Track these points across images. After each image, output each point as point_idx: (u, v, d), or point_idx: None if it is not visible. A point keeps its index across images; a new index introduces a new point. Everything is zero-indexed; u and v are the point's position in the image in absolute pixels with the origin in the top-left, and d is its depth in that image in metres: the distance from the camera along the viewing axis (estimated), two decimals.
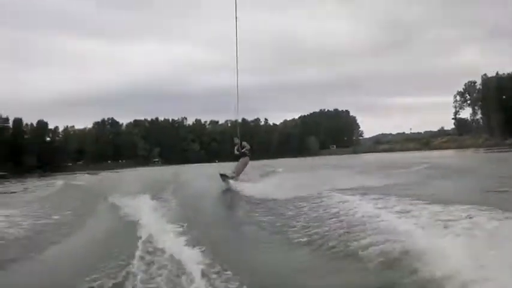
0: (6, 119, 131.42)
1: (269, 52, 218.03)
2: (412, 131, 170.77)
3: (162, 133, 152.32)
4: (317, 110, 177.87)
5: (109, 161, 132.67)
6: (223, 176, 20.28)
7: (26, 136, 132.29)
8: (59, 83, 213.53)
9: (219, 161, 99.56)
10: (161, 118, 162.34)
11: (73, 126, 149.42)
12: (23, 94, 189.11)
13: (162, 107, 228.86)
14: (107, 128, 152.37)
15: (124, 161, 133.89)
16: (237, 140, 21.91)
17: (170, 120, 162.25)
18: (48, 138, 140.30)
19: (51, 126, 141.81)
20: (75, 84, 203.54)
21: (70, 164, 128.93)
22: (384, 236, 7.27)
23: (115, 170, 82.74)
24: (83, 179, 44.15)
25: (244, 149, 21.29)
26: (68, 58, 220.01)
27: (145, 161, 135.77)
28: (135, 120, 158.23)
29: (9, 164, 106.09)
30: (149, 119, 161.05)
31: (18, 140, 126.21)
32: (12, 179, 61.27)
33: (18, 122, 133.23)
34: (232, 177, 20.18)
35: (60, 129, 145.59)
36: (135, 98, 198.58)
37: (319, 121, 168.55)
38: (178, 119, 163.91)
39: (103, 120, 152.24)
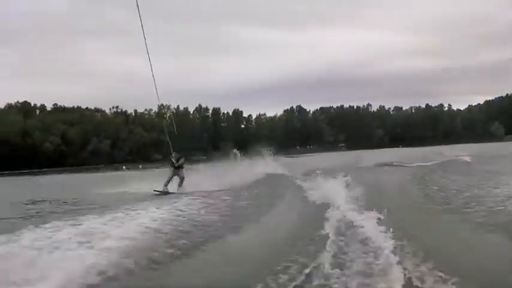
0: (206, 109, 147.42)
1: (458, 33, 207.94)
2: None
3: (347, 119, 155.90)
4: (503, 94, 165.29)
5: (297, 147, 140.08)
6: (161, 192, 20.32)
7: (223, 124, 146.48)
8: (252, 71, 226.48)
9: (402, 146, 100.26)
10: (346, 105, 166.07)
11: (264, 114, 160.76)
12: (220, 84, 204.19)
13: (346, 92, 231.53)
14: (295, 115, 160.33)
15: (311, 146, 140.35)
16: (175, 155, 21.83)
17: (355, 107, 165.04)
18: (242, 126, 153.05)
19: (245, 114, 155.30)
20: (267, 73, 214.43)
21: (261, 149, 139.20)
22: None
23: (305, 155, 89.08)
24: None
25: (179, 162, 21.53)
26: (259, 47, 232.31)
27: (331, 146, 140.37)
28: (321, 108, 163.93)
29: (209, 150, 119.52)
30: (334, 106, 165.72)
31: (217, 128, 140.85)
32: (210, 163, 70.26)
33: (216, 111, 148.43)
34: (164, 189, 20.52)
35: (253, 117, 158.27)
36: (320, 85, 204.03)
37: (506, 106, 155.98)
38: (364, 105, 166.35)
39: (291, 108, 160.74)
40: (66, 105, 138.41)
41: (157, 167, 55.29)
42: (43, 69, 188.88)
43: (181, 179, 21.54)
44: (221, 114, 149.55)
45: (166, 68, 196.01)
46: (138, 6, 17.41)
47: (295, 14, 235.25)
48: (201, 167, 32.72)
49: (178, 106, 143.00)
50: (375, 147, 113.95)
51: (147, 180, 24.46)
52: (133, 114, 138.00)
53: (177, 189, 20.69)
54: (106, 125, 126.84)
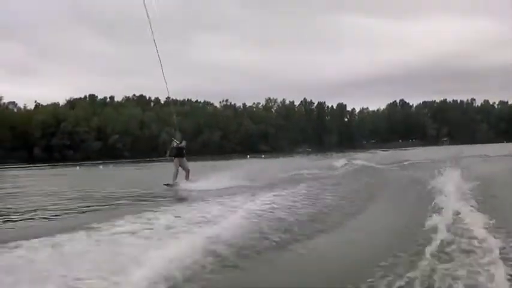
0: (311, 102, 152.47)
1: None
2: None
3: (450, 114, 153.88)
4: None
5: (400, 140, 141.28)
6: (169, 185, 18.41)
7: (327, 117, 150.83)
8: (354, 64, 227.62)
9: (506, 142, 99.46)
10: (449, 99, 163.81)
11: (367, 108, 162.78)
12: (324, 77, 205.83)
13: (450, 85, 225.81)
14: (397, 109, 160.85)
15: (413, 140, 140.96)
16: (178, 137, 19.54)
17: (458, 101, 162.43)
18: (346, 119, 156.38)
19: (348, 108, 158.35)
20: (369, 66, 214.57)
21: (365, 142, 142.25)
22: None
23: (405, 148, 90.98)
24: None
25: (181, 144, 19.21)
26: (363, 39, 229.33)
27: (434, 140, 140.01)
28: (424, 102, 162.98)
29: (314, 142, 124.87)
30: (438, 100, 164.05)
31: (321, 121, 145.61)
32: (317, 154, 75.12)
33: (321, 104, 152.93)
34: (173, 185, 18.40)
35: (357, 110, 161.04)
36: (423, 77, 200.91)
37: None
38: (468, 100, 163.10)
39: (394, 102, 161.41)
40: (178, 98, 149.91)
41: (264, 157, 62.10)
42: (154, 63, 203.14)
43: (187, 171, 19.28)
44: (325, 107, 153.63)
45: (272, 60, 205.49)
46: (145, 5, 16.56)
47: (402, 5, 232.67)
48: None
49: (284, 100, 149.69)
50: (479, 142, 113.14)
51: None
52: (242, 107, 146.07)
53: (186, 183, 18.63)
54: (217, 117, 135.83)
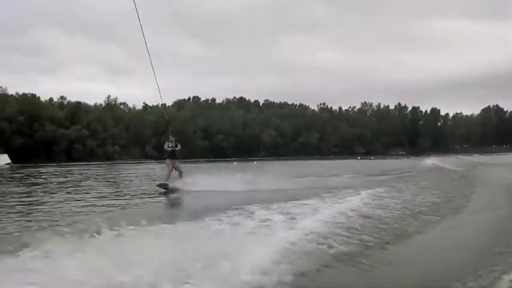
0: (405, 107, 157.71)
1: None
2: None
3: None
4: None
5: (493, 146, 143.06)
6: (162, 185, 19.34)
7: (420, 122, 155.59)
8: (449, 67, 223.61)
9: None
10: None
11: (461, 113, 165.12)
12: (419, 79, 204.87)
13: None
14: (491, 114, 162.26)
15: (507, 145, 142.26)
16: (172, 139, 20.33)
17: None
18: (439, 124, 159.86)
19: (442, 112, 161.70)
20: (463, 69, 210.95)
21: (458, 147, 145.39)
22: None
23: (501, 154, 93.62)
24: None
25: (177, 147, 20.07)
26: (455, 42, 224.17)
27: None
28: None
29: (407, 146, 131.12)
30: None
31: (415, 125, 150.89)
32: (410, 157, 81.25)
33: (415, 109, 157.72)
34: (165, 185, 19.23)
35: (450, 115, 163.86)
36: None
37: None
38: None
39: (488, 107, 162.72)
40: (275, 101, 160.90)
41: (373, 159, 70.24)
42: (245, 64, 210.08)
43: (180, 173, 20.15)
44: (419, 112, 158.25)
45: (362, 62, 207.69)
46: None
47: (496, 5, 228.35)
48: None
49: (379, 104, 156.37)
50: None
51: None
52: (338, 111, 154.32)
53: (180, 184, 19.39)
54: (314, 119, 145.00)
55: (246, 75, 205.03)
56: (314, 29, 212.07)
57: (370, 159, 76.41)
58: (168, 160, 19.98)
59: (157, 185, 19.59)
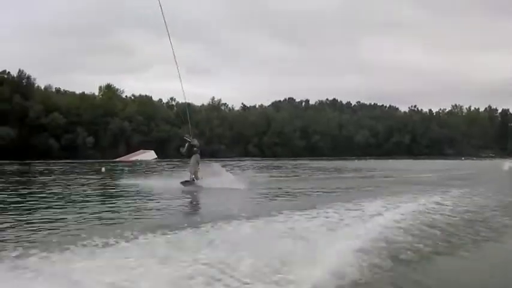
0: (495, 109, 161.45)
1: None
2: None
3: None
4: None
5: None
6: (186, 183, 19.27)
7: (510, 124, 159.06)
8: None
9: None
10: None
11: None
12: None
13: None
14: None
15: None
16: (188, 137, 20.44)
17: None
18: None
19: None
20: None
21: None
22: None
23: None
24: None
25: (194, 147, 19.93)
26: None
27: None
28: None
29: (496, 148, 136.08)
30: None
31: (505, 127, 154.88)
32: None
33: (505, 111, 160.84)
34: (192, 180, 19.41)
35: None
36: None
37: None
38: None
39: None
40: (366, 102, 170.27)
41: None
42: (331, 64, 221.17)
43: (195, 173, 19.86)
44: (509, 114, 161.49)
45: (449, 62, 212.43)
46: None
47: None
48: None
49: (469, 106, 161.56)
50: None
51: None
52: (428, 113, 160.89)
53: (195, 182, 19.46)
54: (406, 120, 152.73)
55: (331, 74, 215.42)
56: (400, 28, 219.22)
57: (473, 159, 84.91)
58: (192, 157, 19.82)
59: (181, 183, 19.33)
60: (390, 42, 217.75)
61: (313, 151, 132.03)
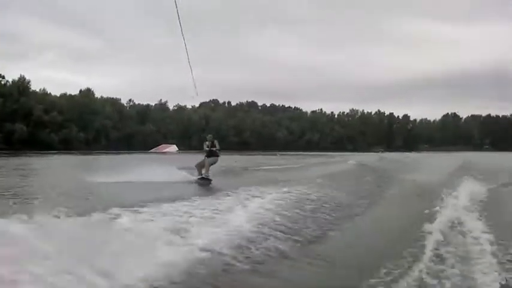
0: (383, 113, 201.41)
1: None
2: None
3: (493, 126, 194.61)
4: None
5: (450, 145, 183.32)
6: (204, 180, 20.39)
7: (395, 125, 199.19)
8: (411, 66, 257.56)
9: None
10: (493, 114, 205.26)
11: (426, 118, 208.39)
12: (382, 79, 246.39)
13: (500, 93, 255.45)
14: (449, 120, 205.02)
15: (460, 146, 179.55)
16: (209, 138, 21.38)
17: (500, 116, 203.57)
18: (409, 127, 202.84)
19: (412, 117, 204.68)
20: (427, 69, 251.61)
21: (422, 146, 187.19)
22: None
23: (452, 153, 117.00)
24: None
25: (215, 148, 20.97)
26: (420, 41, 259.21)
27: (478, 147, 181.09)
28: (472, 115, 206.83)
29: (384, 145, 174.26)
30: (484, 114, 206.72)
31: (391, 128, 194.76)
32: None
33: (391, 114, 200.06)
34: (202, 176, 20.62)
35: (417, 120, 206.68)
36: (474, 86, 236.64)
37: None
38: (507, 115, 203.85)
39: (447, 114, 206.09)
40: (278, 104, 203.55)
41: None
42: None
43: (207, 170, 20.89)
44: (394, 117, 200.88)
45: (335, 59, 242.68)
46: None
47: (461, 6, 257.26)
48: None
49: (363, 110, 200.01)
50: None
51: None
52: (330, 115, 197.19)
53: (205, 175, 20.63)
54: (315, 121, 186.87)
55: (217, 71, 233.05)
56: (292, 25, 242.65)
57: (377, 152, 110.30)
58: (205, 158, 20.98)
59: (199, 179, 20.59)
60: (280, 38, 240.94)
61: (245, 146, 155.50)
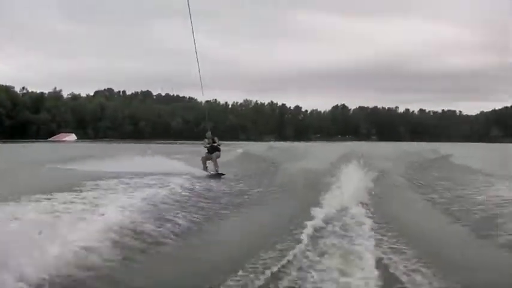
0: (276, 104, 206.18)
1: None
2: None
3: (379, 117, 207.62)
4: None
5: (339, 136, 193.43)
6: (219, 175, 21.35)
7: (287, 116, 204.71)
8: (306, 58, 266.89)
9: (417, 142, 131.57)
10: (379, 106, 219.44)
11: (317, 109, 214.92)
12: (281, 70, 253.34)
13: (388, 86, 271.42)
14: (339, 111, 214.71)
15: (349, 136, 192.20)
16: (209, 135, 22.18)
17: (386, 108, 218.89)
18: (300, 118, 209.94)
19: (303, 108, 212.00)
20: (324, 61, 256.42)
21: (314, 136, 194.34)
22: None
23: (342, 142, 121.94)
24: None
25: (216, 144, 21.91)
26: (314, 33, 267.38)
27: (365, 137, 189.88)
28: (360, 106, 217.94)
29: (276, 134, 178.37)
30: (371, 106, 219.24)
31: (282, 118, 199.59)
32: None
33: (284, 105, 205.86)
34: (216, 171, 21.60)
35: (309, 111, 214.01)
36: (365, 78, 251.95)
37: None
38: (393, 107, 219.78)
39: (336, 105, 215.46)
40: (173, 94, 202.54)
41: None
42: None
43: (216, 164, 22.00)
44: (287, 107, 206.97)
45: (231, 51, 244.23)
46: None
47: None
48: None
49: (256, 100, 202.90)
50: (398, 140, 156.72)
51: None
52: (225, 105, 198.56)
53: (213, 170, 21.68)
54: (210, 111, 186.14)
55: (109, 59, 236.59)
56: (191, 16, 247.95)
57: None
58: (209, 153, 21.79)
59: (213, 173, 21.26)
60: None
61: (140, 135, 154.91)
